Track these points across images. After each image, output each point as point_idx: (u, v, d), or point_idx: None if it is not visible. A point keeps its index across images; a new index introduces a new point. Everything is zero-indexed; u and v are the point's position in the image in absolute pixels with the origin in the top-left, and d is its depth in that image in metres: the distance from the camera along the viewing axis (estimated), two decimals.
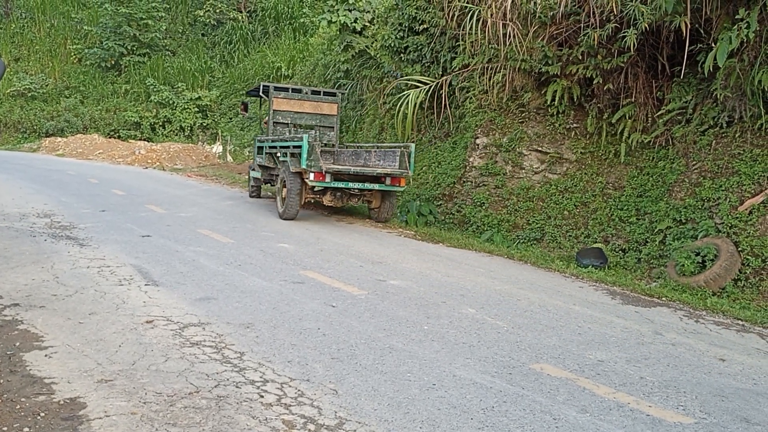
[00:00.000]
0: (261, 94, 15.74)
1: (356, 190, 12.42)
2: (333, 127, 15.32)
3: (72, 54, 39.41)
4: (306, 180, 12.10)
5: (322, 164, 11.77)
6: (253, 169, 16.03)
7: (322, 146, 13.70)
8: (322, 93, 15.74)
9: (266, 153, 14.56)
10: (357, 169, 12.13)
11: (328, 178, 11.88)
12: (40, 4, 42.01)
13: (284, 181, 12.74)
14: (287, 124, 15.09)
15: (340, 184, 12.09)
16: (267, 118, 15.45)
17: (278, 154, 13.52)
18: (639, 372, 5.13)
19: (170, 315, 5.94)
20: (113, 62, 37.46)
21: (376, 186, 12.27)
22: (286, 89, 15.47)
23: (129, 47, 37.07)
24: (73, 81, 37.52)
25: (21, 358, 4.70)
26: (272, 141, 14.20)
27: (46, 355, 4.78)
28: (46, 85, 36.59)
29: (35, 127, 34.04)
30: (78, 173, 20.99)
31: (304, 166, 11.86)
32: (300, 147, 11.96)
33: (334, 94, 15.77)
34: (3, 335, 5.16)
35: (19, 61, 38.57)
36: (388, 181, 12.22)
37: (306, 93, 15.44)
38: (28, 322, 5.54)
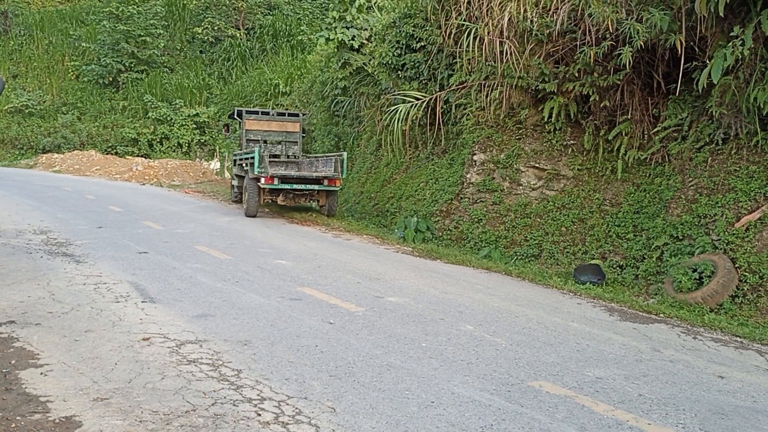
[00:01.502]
0: (236, 116, 18.46)
1: (306, 191, 15.33)
2: (297, 142, 18.04)
3: (70, 70, 39.57)
4: (259, 184, 14.96)
5: (269, 170, 14.67)
6: (233, 179, 19.05)
7: (286, 157, 17.46)
8: (286, 114, 18.70)
9: (237, 165, 17.75)
10: (298, 173, 15.42)
11: (276, 181, 14.73)
12: (39, 21, 42.25)
13: (246, 186, 15.68)
14: (258, 141, 17.58)
15: (287, 186, 14.98)
16: (241, 136, 18.19)
17: (244, 165, 16.42)
18: (638, 389, 5.12)
19: (167, 332, 5.92)
20: (111, 79, 37.60)
21: (317, 187, 15.13)
22: (256, 112, 18.44)
23: (127, 64, 37.23)
24: (70, 97, 37.63)
25: (16, 376, 4.67)
26: (240, 155, 17.24)
27: (41, 373, 4.75)
28: (44, 102, 36.68)
29: (32, 144, 34.07)
30: (75, 189, 20.98)
31: (256, 172, 14.73)
32: (253, 157, 14.89)
33: (296, 115, 18.73)
34: None
35: (17, 78, 38.71)
36: (326, 182, 15.09)
37: (272, 114, 18.41)
38: (23, 339, 5.51)
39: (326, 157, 16.10)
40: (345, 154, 15.39)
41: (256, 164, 14.72)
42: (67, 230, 11.94)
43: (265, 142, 17.59)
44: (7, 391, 4.39)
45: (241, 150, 17.85)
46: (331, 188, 15.25)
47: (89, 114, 36.37)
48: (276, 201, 15.56)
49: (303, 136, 18.76)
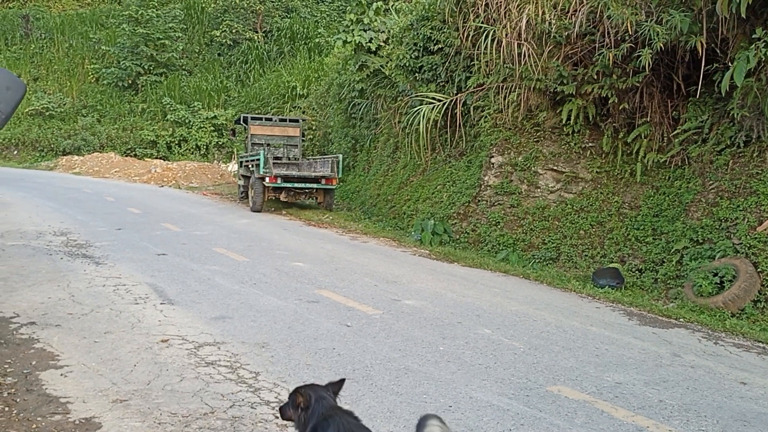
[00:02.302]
0: (242, 122, 20.33)
1: (306, 189, 17.27)
2: (297, 145, 19.92)
3: (89, 73, 39.92)
4: (264, 183, 16.77)
5: (273, 170, 16.56)
6: (239, 179, 20.63)
7: (287, 159, 19.20)
8: (287, 120, 20.49)
9: (243, 166, 19.38)
10: (299, 173, 17.33)
11: (279, 181, 16.63)
12: (59, 25, 42.69)
13: (252, 184, 17.49)
14: (261, 144, 19.17)
15: (289, 185, 16.88)
16: (246, 140, 19.93)
17: (249, 166, 18.18)
18: (658, 395, 5.06)
19: (185, 334, 5.95)
20: (130, 81, 37.89)
21: (315, 185, 17.11)
22: (260, 118, 20.17)
23: (146, 67, 37.50)
24: (90, 100, 37.96)
25: (37, 377, 4.71)
26: (246, 157, 18.98)
27: (61, 374, 4.79)
28: (64, 104, 37.02)
29: (52, 146, 34.41)
30: (94, 191, 21.17)
31: (261, 173, 16.70)
32: (259, 159, 16.84)
33: (297, 120, 20.65)
34: (20, 354, 5.19)
35: (37, 81, 39.15)
36: (323, 181, 17.05)
37: (275, 120, 20.14)
38: (44, 340, 5.56)
39: (324, 158, 18.04)
40: (341, 156, 17.70)
41: (262, 165, 16.68)
42: (87, 232, 12.05)
43: (268, 145, 19.21)
44: (28, 392, 4.43)
45: (246, 153, 19.57)
46: (329, 186, 17.26)
47: (109, 116, 36.68)
48: (279, 198, 17.55)
49: (303, 140, 20.89)
